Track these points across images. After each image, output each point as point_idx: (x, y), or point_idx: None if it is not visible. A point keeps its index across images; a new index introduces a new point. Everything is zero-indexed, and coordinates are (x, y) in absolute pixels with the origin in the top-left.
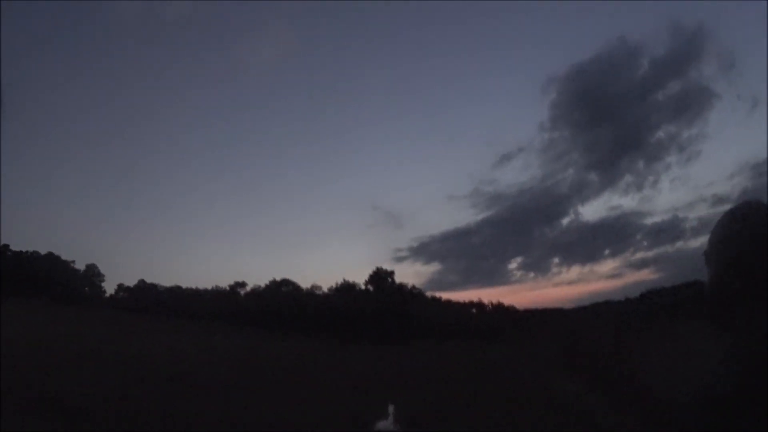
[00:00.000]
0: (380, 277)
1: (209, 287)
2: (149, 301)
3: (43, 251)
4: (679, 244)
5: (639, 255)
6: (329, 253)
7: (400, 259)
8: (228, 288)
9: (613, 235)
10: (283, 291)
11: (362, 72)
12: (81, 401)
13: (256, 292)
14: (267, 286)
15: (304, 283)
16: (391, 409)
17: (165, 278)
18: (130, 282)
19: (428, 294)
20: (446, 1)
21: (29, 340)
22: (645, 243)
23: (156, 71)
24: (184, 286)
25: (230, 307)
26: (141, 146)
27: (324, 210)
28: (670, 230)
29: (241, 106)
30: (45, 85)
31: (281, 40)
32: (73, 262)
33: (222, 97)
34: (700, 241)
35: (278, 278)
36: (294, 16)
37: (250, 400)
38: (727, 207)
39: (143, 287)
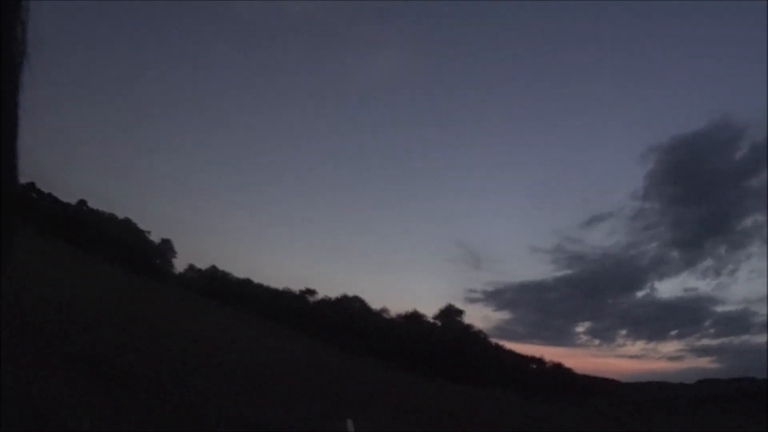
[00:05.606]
0: (450, 314)
1: (280, 288)
2: (218, 287)
3: (121, 216)
4: (745, 337)
5: (703, 341)
6: (401, 278)
7: (472, 300)
8: (298, 292)
9: (683, 318)
10: (352, 307)
11: (478, 106)
12: (126, 366)
13: (326, 302)
14: (337, 299)
15: (374, 304)
16: None
17: (236, 269)
18: (202, 265)
19: (492, 341)
20: (563, 60)
21: (90, 298)
22: (712, 331)
23: (269, 73)
24: (255, 280)
25: (298, 311)
26: (242, 142)
27: (405, 235)
28: (738, 322)
29: (347, 120)
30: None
31: (397, 60)
32: (149, 233)
33: (330, 106)
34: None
35: (349, 294)
36: (413, 40)
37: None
38: None
39: (214, 273)
